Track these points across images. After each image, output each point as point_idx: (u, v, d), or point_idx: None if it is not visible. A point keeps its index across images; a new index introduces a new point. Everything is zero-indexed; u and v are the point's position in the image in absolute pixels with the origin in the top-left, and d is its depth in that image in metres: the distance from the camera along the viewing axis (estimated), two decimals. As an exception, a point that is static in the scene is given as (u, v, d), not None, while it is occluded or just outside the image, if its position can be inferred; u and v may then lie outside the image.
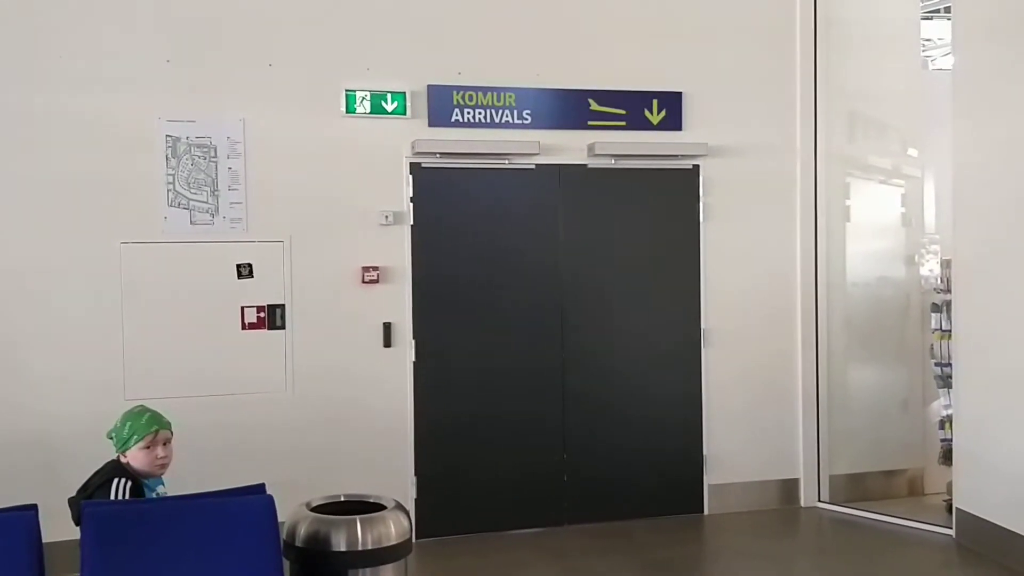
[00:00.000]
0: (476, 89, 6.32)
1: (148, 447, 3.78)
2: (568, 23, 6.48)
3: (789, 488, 6.87)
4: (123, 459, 3.80)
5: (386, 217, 6.17)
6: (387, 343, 6.21)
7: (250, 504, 3.30)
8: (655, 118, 6.60)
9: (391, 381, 6.23)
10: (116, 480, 3.64)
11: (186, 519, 3.25)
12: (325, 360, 6.11)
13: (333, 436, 6.10)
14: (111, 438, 3.81)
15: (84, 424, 5.62)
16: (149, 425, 3.80)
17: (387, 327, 6.21)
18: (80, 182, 5.75)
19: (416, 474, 6.26)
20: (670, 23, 6.63)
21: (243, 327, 6.00)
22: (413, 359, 6.24)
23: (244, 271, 6.00)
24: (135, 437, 3.77)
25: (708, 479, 6.74)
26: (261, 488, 3.45)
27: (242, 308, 6.00)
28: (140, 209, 5.85)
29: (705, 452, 6.73)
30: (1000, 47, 5.68)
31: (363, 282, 6.15)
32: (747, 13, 6.78)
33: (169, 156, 5.87)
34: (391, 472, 6.13)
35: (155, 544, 3.19)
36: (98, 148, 5.77)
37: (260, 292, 6.02)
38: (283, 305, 6.06)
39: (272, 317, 6.04)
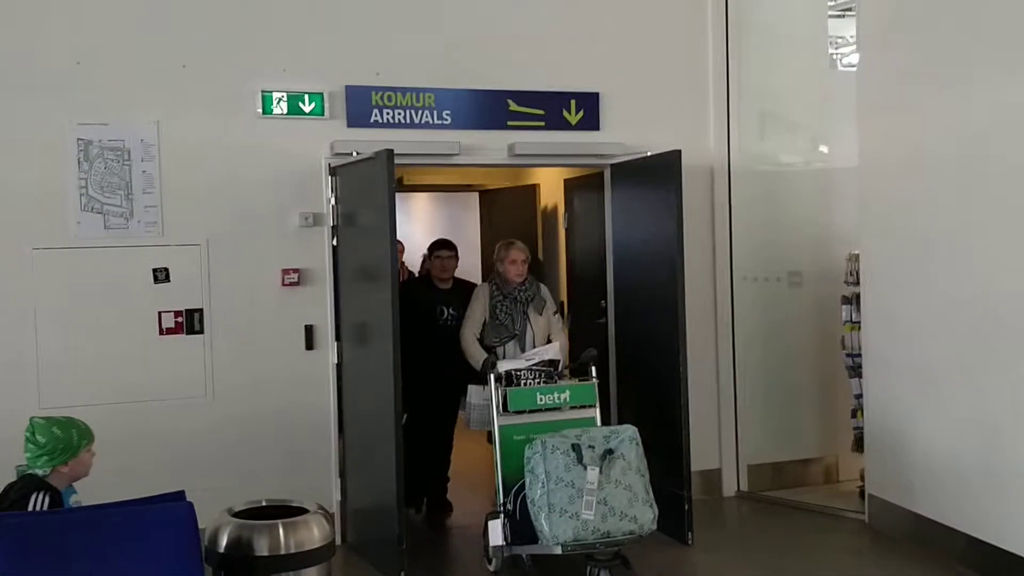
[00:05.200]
0: (395, 90, 6.32)
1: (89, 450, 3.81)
2: (486, 24, 6.52)
3: (711, 478, 7.01)
4: (51, 471, 3.72)
5: (306, 219, 6.14)
6: (309, 346, 6.18)
7: (169, 511, 3.28)
8: (573, 118, 6.68)
9: (314, 384, 6.19)
10: (35, 494, 3.56)
11: (104, 528, 3.21)
12: (246, 364, 6.05)
13: (255, 441, 6.05)
14: (45, 455, 3.69)
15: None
16: (88, 429, 3.83)
17: (309, 329, 6.17)
18: (-11, 187, 5.63)
19: (340, 476, 6.23)
20: (586, 25, 6.70)
21: (160, 332, 5.92)
22: (335, 361, 6.22)
23: (160, 275, 5.92)
24: (84, 442, 3.78)
25: (631, 473, 6.83)
26: (181, 495, 3.43)
27: (159, 313, 5.91)
28: (52, 214, 5.73)
29: (627, 446, 6.82)
30: (903, 44, 5.88)
31: (283, 285, 6.11)
32: (661, 15, 6.88)
33: (81, 160, 5.77)
34: (315, 476, 6.11)
35: (72, 555, 3.15)
36: (7, 152, 5.65)
37: (177, 296, 5.94)
38: (201, 309, 5.98)
39: (190, 321, 5.96)
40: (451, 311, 6.42)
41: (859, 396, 6.65)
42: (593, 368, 5.67)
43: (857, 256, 6.60)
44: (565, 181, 7.97)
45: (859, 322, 6.54)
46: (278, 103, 6.08)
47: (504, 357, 5.83)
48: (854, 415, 6.77)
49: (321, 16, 6.20)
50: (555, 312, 6.26)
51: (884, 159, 6.07)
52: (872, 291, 6.23)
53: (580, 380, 5.66)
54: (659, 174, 6.16)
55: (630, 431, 5.16)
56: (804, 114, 7.38)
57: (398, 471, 5.33)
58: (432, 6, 6.42)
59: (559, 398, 5.52)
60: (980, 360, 5.34)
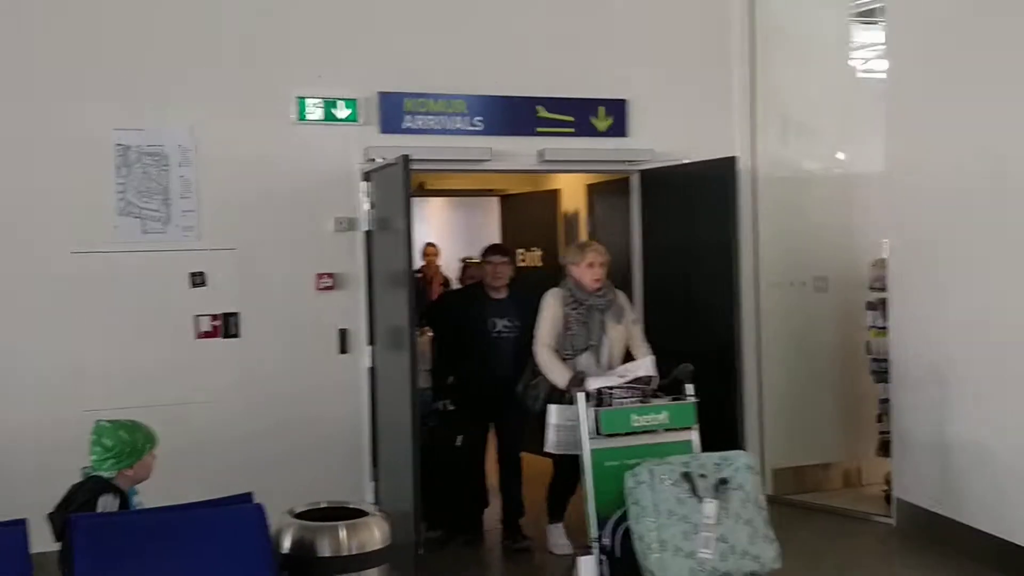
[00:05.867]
0: (427, 96, 6.38)
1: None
2: (516, 31, 6.57)
3: (735, 483, 7.06)
4: (116, 474, 3.75)
5: (340, 223, 6.18)
6: (343, 350, 6.22)
7: (242, 513, 3.33)
8: (602, 124, 6.73)
9: (348, 388, 6.23)
10: (103, 496, 3.59)
11: (179, 529, 3.26)
12: (281, 368, 6.10)
13: (290, 444, 6.07)
14: (111, 457, 3.72)
15: (37, 437, 5.58)
16: (152, 432, 3.87)
17: (343, 334, 6.22)
18: (29, 192, 5.67)
19: (373, 479, 6.27)
20: (614, 32, 6.76)
21: (197, 336, 5.96)
22: (369, 365, 6.26)
23: (197, 279, 5.96)
24: (149, 445, 3.83)
25: (657, 476, 6.88)
26: (249, 497, 3.47)
27: (195, 317, 5.96)
28: (91, 219, 5.79)
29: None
30: (934, 52, 5.95)
31: (318, 289, 6.16)
32: (687, 23, 6.95)
33: (120, 165, 5.81)
34: (349, 479, 6.15)
35: (148, 556, 3.19)
36: (46, 157, 5.69)
37: (214, 300, 5.99)
38: (237, 313, 6.03)
39: (226, 325, 6.01)
40: (505, 322, 5.95)
41: (884, 401, 6.71)
42: (690, 386, 5.06)
43: (882, 261, 6.67)
44: (587, 186, 8.02)
45: (884, 327, 6.61)
46: (313, 109, 6.14)
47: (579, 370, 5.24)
48: (879, 419, 6.83)
49: (356, 23, 6.25)
50: (635, 320, 5.69)
51: (913, 166, 6.14)
52: (900, 296, 6.30)
53: (675, 399, 5.06)
54: (708, 181, 6.21)
55: (745, 458, 4.63)
56: (827, 120, 7.44)
57: (415, 476, 5.32)
58: (464, 14, 6.48)
59: (656, 420, 4.91)
60: (1010, 364, 5.40)
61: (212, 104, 5.98)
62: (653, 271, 6.75)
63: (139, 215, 5.85)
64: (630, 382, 5.00)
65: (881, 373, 6.72)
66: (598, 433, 4.81)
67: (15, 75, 5.65)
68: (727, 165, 6.06)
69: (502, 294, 6.08)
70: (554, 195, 8.57)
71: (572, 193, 8.42)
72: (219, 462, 5.79)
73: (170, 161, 5.90)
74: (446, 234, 9.48)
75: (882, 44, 6.92)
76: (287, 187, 6.11)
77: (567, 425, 5.01)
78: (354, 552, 3.71)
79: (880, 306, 6.73)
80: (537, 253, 8.97)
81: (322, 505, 3.96)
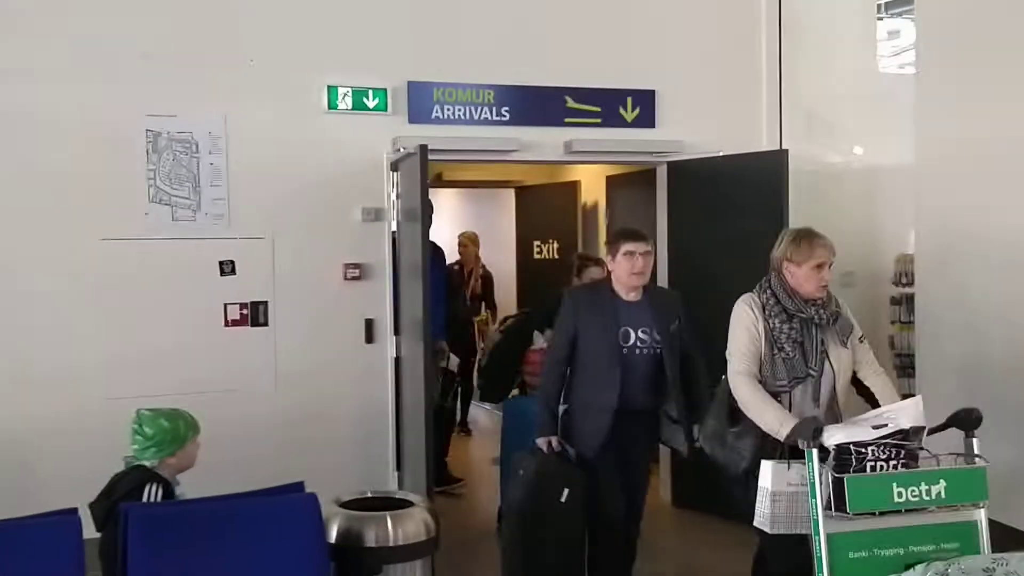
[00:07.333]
0: (455, 86, 6.36)
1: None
2: (545, 20, 6.54)
3: (756, 476, 7.07)
4: (159, 463, 3.74)
5: (368, 214, 6.17)
6: (369, 339, 6.22)
7: (296, 502, 3.32)
8: (629, 115, 6.71)
9: (373, 377, 6.23)
10: (149, 486, 3.57)
11: (232, 519, 3.25)
12: (308, 357, 6.08)
13: (316, 432, 6.07)
14: (153, 446, 3.70)
15: (64, 424, 5.58)
16: (194, 419, 3.86)
17: (369, 323, 6.21)
18: (60, 178, 5.63)
19: (397, 469, 6.28)
20: (642, 22, 6.74)
21: (226, 324, 5.95)
22: (394, 355, 6.25)
23: (227, 268, 5.95)
24: (191, 433, 3.82)
25: (680, 469, 6.89)
26: (301, 486, 3.46)
27: (225, 305, 5.95)
28: (121, 205, 5.76)
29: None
30: (963, 41, 5.93)
31: (346, 279, 6.15)
32: (714, 15, 6.92)
33: (150, 151, 5.79)
34: (374, 468, 6.16)
35: (202, 545, 3.19)
36: (77, 143, 5.66)
37: (243, 289, 5.97)
38: (266, 302, 6.02)
39: (255, 314, 6.00)
40: (641, 334, 4.51)
41: (907, 396, 6.71)
42: (975, 441, 3.61)
43: (906, 256, 6.67)
44: (607, 178, 8.02)
45: (908, 322, 6.62)
46: (343, 98, 6.11)
47: (791, 409, 3.88)
48: (902, 414, 6.82)
49: (385, 12, 6.22)
50: (861, 337, 4.17)
51: (942, 161, 6.12)
52: (927, 291, 6.29)
53: (957, 461, 3.55)
54: (752, 174, 6.19)
55: None
56: (853, 114, 7.43)
57: (428, 468, 5.32)
58: (493, 3, 6.46)
59: (929, 493, 3.38)
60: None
61: (243, 92, 5.95)
62: (682, 265, 6.68)
63: (169, 202, 5.83)
64: (890, 435, 3.44)
65: (904, 368, 6.74)
66: (839, 510, 3.31)
67: (47, 60, 5.61)
68: (777, 158, 6.01)
69: (638, 295, 4.58)
70: (573, 187, 8.56)
71: (591, 185, 8.41)
72: (244, 449, 5.76)
73: (200, 148, 5.87)
74: (458, 226, 9.42)
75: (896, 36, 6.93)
76: (316, 176, 6.09)
77: (789, 492, 3.52)
78: (400, 543, 3.70)
79: (903, 301, 6.75)
80: (555, 246, 8.97)
81: (367, 494, 3.95)
